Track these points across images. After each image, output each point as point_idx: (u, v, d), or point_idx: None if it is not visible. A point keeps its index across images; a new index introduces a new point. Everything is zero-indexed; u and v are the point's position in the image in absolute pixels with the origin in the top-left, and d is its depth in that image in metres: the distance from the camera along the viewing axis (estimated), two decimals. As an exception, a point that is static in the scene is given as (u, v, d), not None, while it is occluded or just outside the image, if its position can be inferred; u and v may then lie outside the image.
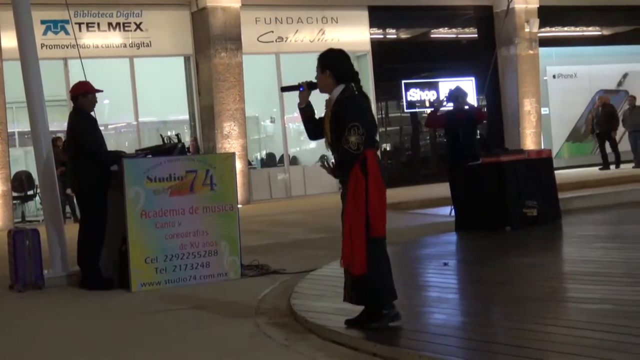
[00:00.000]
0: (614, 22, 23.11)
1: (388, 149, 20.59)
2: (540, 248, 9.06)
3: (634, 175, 17.03)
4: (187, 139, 17.83)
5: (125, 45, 17.47)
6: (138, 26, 17.51)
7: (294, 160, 19.94)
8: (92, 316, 6.86)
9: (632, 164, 19.33)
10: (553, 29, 22.19)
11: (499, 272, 7.44)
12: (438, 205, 13.79)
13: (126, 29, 17.44)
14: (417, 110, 20.46)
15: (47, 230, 8.50)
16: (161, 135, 9.16)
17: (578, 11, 22.13)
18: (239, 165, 16.14)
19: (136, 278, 7.66)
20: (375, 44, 19.90)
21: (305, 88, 5.53)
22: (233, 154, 8.65)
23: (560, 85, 22.43)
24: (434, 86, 20.31)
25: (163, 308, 6.86)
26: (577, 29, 22.77)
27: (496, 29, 20.88)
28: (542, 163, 10.86)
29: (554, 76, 22.43)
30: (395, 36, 20.93)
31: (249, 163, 18.72)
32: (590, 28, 22.95)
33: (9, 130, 16.27)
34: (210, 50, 17.35)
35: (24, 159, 17.51)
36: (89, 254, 7.97)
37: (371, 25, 19.87)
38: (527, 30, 20.74)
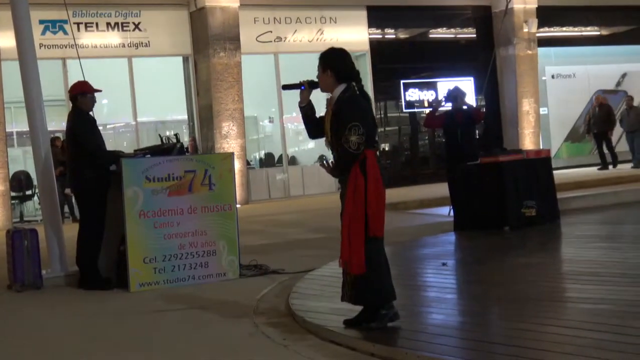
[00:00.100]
0: (612, 22, 23.13)
1: (387, 149, 20.60)
2: (538, 248, 9.06)
3: (633, 176, 17.04)
4: (185, 139, 17.84)
5: (123, 45, 17.47)
6: (136, 26, 17.51)
7: (292, 160, 19.94)
8: (91, 316, 6.85)
9: (631, 164, 19.33)
10: (552, 29, 22.20)
11: (498, 272, 7.45)
12: (437, 205, 13.81)
13: (125, 28, 17.44)
14: (415, 110, 20.48)
15: (45, 230, 8.50)
16: (160, 135, 9.16)
17: (577, 11, 22.15)
18: (237, 165, 16.15)
19: (135, 278, 7.66)
20: (374, 43, 19.91)
21: (306, 87, 5.52)
22: (232, 154, 8.64)
23: (559, 85, 22.44)
24: (432, 86, 20.32)
25: (161, 308, 6.86)
26: (576, 29, 22.78)
27: (495, 29, 20.90)
28: (541, 163, 10.86)
29: (552, 76, 22.44)
30: (393, 36, 20.93)
31: (248, 163, 18.73)
32: (588, 28, 22.96)
33: (8, 130, 16.28)
34: (209, 50, 17.35)
35: (22, 159, 17.52)
36: (88, 254, 7.97)
37: (370, 25, 19.88)
38: (525, 30, 20.75)
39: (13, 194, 16.40)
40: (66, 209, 15.16)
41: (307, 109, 5.55)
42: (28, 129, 8.74)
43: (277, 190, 18.80)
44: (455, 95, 11.44)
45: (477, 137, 12.19)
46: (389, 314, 5.25)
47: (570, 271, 7.33)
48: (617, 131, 20.37)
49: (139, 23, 17.52)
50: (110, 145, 9.09)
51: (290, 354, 5.08)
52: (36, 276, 8.10)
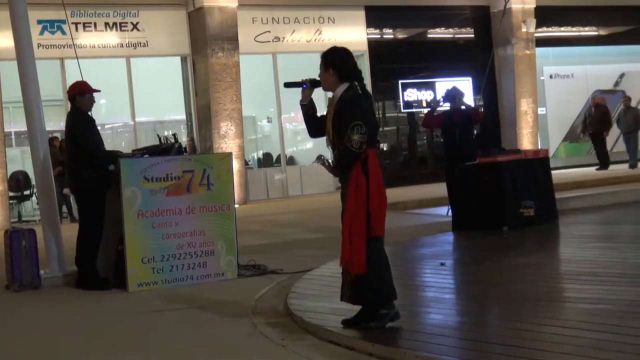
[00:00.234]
0: (610, 22, 23.13)
1: (385, 149, 20.59)
2: (537, 248, 9.07)
3: (631, 176, 17.06)
4: (184, 139, 17.83)
5: (122, 45, 17.46)
6: (135, 26, 17.50)
7: (290, 160, 19.95)
8: (89, 316, 6.85)
9: (627, 165, 19.35)
10: (550, 29, 22.21)
11: (496, 272, 7.45)
12: (435, 205, 13.81)
13: (123, 28, 17.43)
14: (414, 110, 20.48)
15: (43, 230, 8.49)
16: (158, 135, 9.15)
17: (575, 11, 22.15)
18: (235, 165, 16.13)
19: (133, 278, 7.66)
20: (372, 44, 19.90)
21: (308, 85, 5.51)
22: (230, 154, 8.64)
23: (557, 86, 22.45)
24: (430, 86, 20.32)
25: (159, 308, 6.86)
26: (574, 29, 22.79)
27: (493, 29, 20.88)
28: (539, 163, 10.87)
29: (550, 76, 22.45)
30: (392, 36, 20.93)
31: (246, 163, 18.73)
32: (587, 28, 22.97)
33: (6, 130, 16.26)
34: (207, 50, 17.35)
35: (20, 159, 17.50)
36: (86, 253, 7.97)
37: (368, 25, 19.88)
38: (524, 30, 20.75)
39: (11, 194, 16.40)
40: (64, 209, 15.15)
41: (308, 108, 5.54)
42: (26, 129, 8.73)
43: (276, 190, 18.79)
44: (454, 95, 11.44)
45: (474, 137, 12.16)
46: (389, 313, 5.24)
47: (568, 271, 7.33)
48: (615, 132, 20.40)
49: (137, 23, 17.51)
50: (108, 146, 9.08)
51: (289, 353, 5.07)
52: (34, 276, 8.09)
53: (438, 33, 21.40)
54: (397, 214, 13.08)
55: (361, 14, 19.72)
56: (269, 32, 18.70)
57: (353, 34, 19.44)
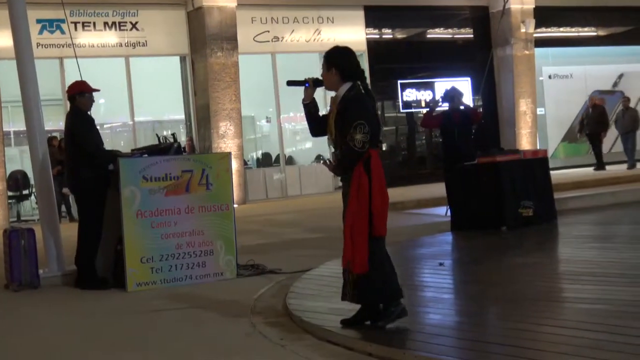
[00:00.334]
0: (609, 22, 23.14)
1: (384, 149, 20.58)
2: (535, 248, 9.07)
3: (630, 176, 17.06)
4: (183, 139, 17.81)
5: (121, 45, 17.46)
6: (134, 25, 17.49)
7: (289, 160, 19.94)
8: (87, 316, 6.85)
9: (626, 166, 19.35)
10: (549, 29, 22.21)
11: (495, 272, 7.45)
12: (434, 205, 13.81)
13: (122, 28, 17.42)
14: (413, 110, 20.48)
15: (42, 229, 8.49)
16: (157, 135, 9.15)
17: (574, 12, 22.16)
18: (234, 165, 16.11)
19: (132, 278, 7.65)
20: (371, 43, 19.90)
21: (310, 84, 5.50)
22: (229, 153, 8.63)
23: (556, 86, 22.46)
24: (429, 86, 20.33)
25: (158, 308, 6.86)
26: (573, 29, 22.80)
27: (492, 29, 20.88)
28: (538, 163, 10.88)
29: (549, 76, 22.46)
30: (391, 36, 20.93)
31: (245, 163, 18.73)
32: (586, 29, 22.98)
33: (5, 129, 16.25)
34: (206, 49, 17.34)
35: (19, 159, 17.49)
36: (85, 253, 7.97)
37: (367, 25, 19.88)
38: (523, 30, 20.76)
39: (10, 193, 16.39)
40: (63, 208, 15.14)
41: (310, 107, 5.53)
42: (25, 128, 8.72)
43: (275, 190, 18.79)
44: (453, 96, 11.44)
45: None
46: (396, 311, 5.24)
47: (567, 271, 7.34)
48: (614, 133, 20.40)
49: (136, 22, 17.51)
50: (107, 145, 9.07)
51: (288, 353, 5.07)
52: (33, 276, 8.09)
53: (437, 33, 21.41)
54: (396, 214, 13.07)
55: (360, 14, 19.72)
56: (268, 32, 18.69)
57: (352, 34, 19.43)
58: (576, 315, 5.32)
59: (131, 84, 17.62)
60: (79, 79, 8.56)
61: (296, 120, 20.23)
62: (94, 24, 17.14)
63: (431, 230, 10.68)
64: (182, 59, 18.29)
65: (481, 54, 19.53)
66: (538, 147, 20.08)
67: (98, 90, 8.25)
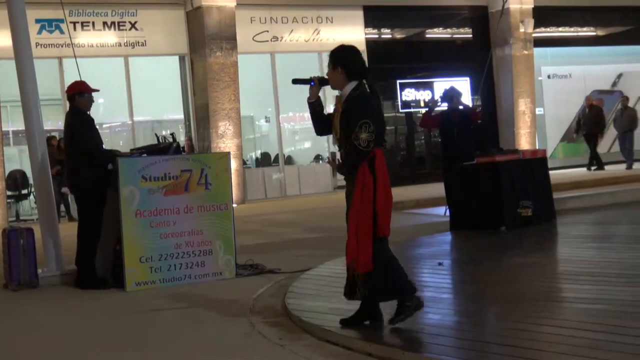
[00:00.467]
0: (608, 22, 23.16)
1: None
2: (534, 248, 9.07)
3: (629, 176, 17.07)
4: (182, 139, 17.80)
5: (120, 45, 17.46)
6: (133, 25, 17.49)
7: (288, 160, 19.95)
8: (86, 315, 6.84)
9: (625, 165, 19.36)
10: (548, 29, 22.23)
11: (494, 272, 7.45)
12: (433, 205, 13.81)
13: (121, 28, 17.43)
14: (412, 110, 20.49)
15: (41, 229, 8.49)
16: (156, 135, 9.15)
17: (573, 11, 22.17)
18: (233, 164, 16.13)
19: (131, 277, 7.65)
20: (370, 43, 19.90)
21: (316, 83, 5.48)
22: (228, 153, 8.63)
23: (555, 86, 22.47)
24: (428, 86, 20.33)
25: (157, 307, 6.85)
26: (572, 29, 22.81)
27: (491, 29, 20.90)
28: (537, 163, 10.88)
29: (548, 76, 22.46)
30: (390, 36, 20.94)
31: (244, 162, 18.73)
32: (584, 28, 22.99)
33: (4, 129, 16.26)
34: (205, 49, 17.34)
35: (18, 158, 17.49)
36: (85, 253, 7.97)
37: (366, 25, 19.89)
38: (522, 30, 20.77)
39: (9, 193, 16.40)
40: (62, 208, 15.14)
41: (315, 105, 5.51)
42: (24, 128, 8.72)
43: (274, 190, 18.79)
44: (451, 95, 11.43)
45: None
46: (412, 304, 5.25)
47: (566, 271, 7.34)
48: (613, 133, 20.40)
49: (135, 22, 17.51)
50: (106, 145, 9.08)
51: (287, 353, 5.07)
52: (32, 275, 8.09)
53: (436, 33, 21.42)
54: (395, 214, 12.96)
55: (359, 14, 19.72)
56: (267, 31, 18.70)
57: (351, 33, 19.43)
58: (575, 315, 5.33)
59: (130, 84, 17.63)
60: (78, 78, 8.55)
61: (295, 120, 20.24)
62: (93, 23, 17.14)
63: (430, 230, 10.68)
64: (181, 59, 18.30)
65: (480, 54, 19.54)
66: (537, 147, 20.09)
67: (97, 90, 8.25)
